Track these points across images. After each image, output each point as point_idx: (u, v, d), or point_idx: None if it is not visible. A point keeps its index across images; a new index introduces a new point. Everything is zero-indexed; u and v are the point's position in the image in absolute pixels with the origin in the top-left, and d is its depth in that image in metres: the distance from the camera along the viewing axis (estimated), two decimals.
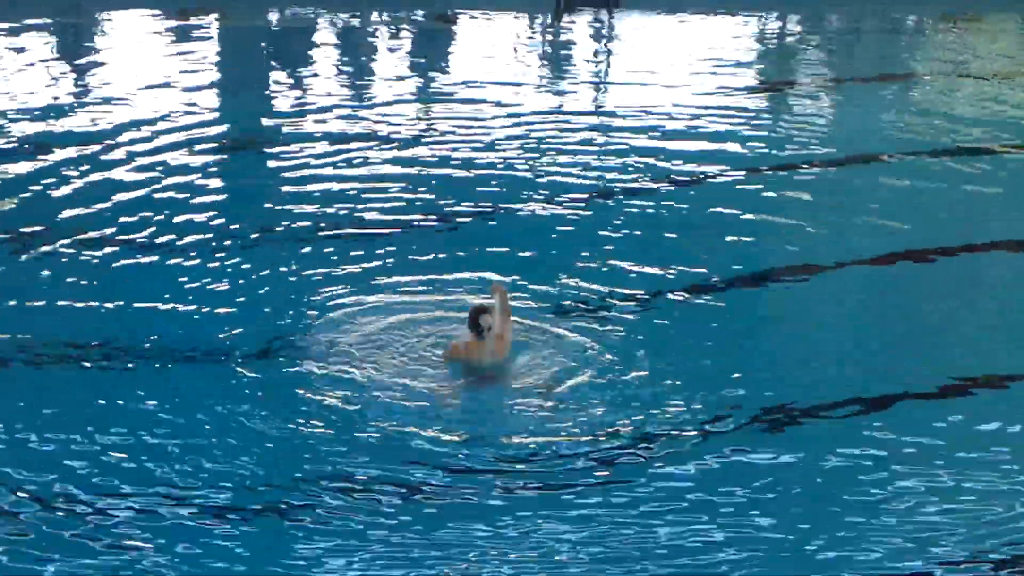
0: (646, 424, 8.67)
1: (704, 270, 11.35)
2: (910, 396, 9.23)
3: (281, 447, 8.32)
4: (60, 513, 7.54)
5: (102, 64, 18.80)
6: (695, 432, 8.62)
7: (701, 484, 8.04)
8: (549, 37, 22.59)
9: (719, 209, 12.94)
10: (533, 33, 22.91)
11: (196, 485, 7.85)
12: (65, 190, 13.03)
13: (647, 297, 10.77)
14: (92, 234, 11.80)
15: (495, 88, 17.61)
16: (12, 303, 10.35)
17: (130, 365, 9.35)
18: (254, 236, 11.92)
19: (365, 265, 11.20)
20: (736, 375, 9.41)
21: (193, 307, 10.31)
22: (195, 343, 9.67)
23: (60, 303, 10.32)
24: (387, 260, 11.33)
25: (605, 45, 21.93)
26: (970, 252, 12.10)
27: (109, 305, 10.31)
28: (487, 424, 8.74)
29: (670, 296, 10.80)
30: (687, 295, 10.87)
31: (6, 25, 20.23)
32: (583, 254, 11.59)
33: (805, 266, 11.60)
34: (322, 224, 12.27)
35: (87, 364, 9.43)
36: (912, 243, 12.14)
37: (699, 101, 17.08)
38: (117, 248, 11.52)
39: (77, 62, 18.62)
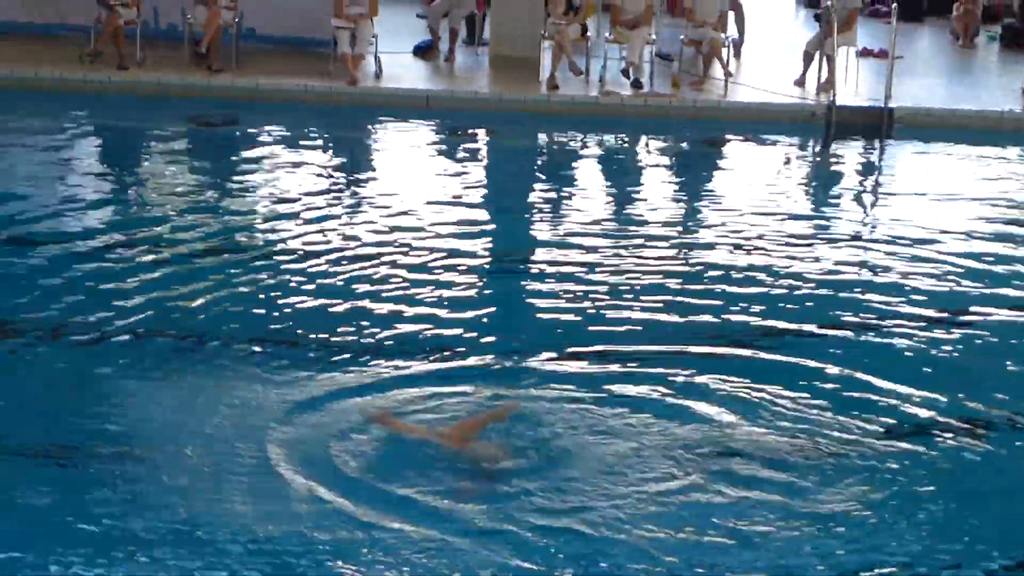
0: None
1: (972, 410, 10.95)
2: None
3: None
4: None
5: (370, 179, 19.44)
6: None
7: None
8: (819, 164, 22.34)
9: (987, 351, 12.61)
10: (803, 159, 22.73)
11: None
12: (318, 301, 13.45)
13: (906, 435, 10.49)
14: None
15: (761, 214, 17.48)
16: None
17: None
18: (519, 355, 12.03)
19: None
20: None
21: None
22: None
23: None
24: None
25: (877, 174, 21.53)
26: None
27: None
28: None
29: (934, 438, 10.42)
30: (954, 437, 10.51)
31: (284, 136, 21.26)
32: (841, 386, 11.44)
33: None
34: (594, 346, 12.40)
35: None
36: None
37: (976, 237, 16.64)
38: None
39: (349, 176, 19.29)
